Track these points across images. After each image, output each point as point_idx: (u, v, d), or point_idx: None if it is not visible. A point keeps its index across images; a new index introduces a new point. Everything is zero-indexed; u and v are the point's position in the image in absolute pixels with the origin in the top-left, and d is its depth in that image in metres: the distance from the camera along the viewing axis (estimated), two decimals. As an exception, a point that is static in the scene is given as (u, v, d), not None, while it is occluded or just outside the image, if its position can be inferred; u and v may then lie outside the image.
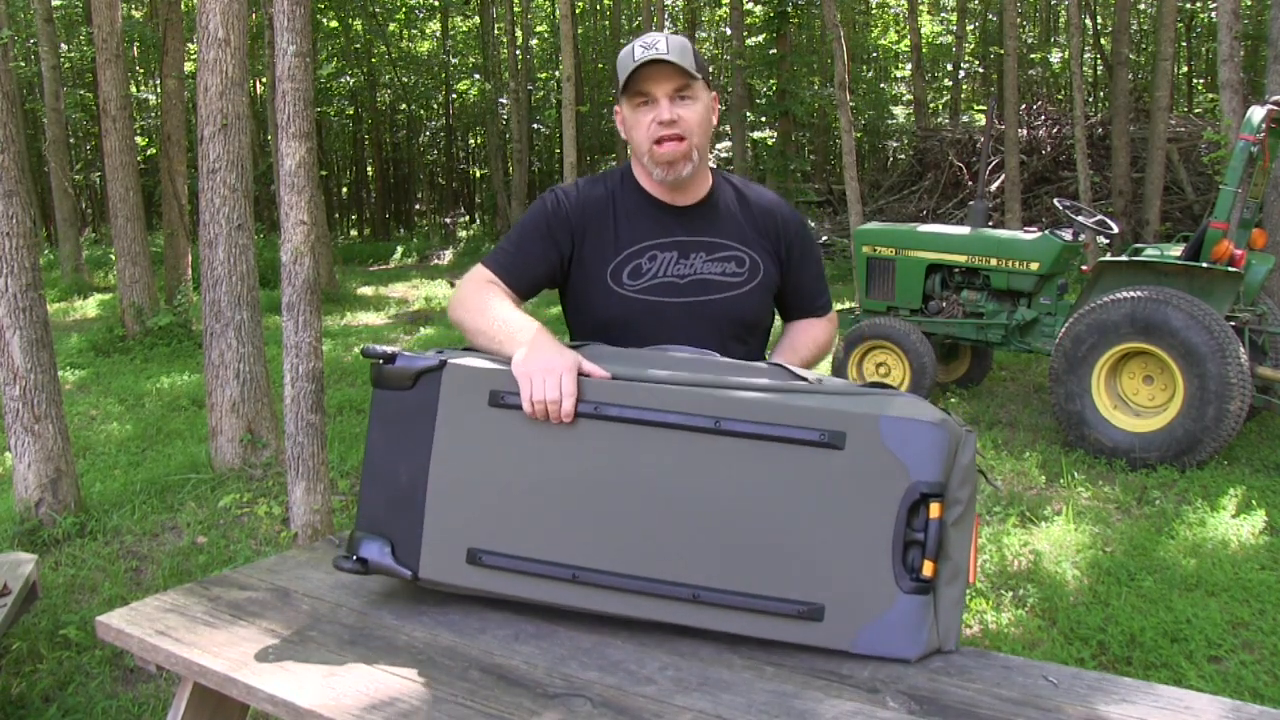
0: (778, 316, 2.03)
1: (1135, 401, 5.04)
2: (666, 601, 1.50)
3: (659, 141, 1.75)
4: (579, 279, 1.84)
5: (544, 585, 1.54)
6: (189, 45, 13.41)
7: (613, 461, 1.52)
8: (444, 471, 1.58)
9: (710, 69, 1.91)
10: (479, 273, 1.82)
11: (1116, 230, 5.87)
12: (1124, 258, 5.33)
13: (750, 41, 16.45)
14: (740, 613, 1.48)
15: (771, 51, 15.37)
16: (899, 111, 19.97)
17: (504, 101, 22.37)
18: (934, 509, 1.44)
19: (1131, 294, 4.90)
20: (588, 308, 1.84)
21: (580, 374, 1.54)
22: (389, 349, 1.64)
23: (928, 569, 1.44)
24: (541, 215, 1.84)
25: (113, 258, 10.96)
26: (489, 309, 1.72)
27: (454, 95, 26.30)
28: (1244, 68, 8.66)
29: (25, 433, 4.00)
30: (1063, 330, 5.18)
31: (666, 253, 1.82)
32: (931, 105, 20.73)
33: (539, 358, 1.54)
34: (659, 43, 1.72)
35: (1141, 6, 20.69)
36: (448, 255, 20.17)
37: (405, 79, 25.31)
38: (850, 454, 1.45)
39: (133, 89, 17.92)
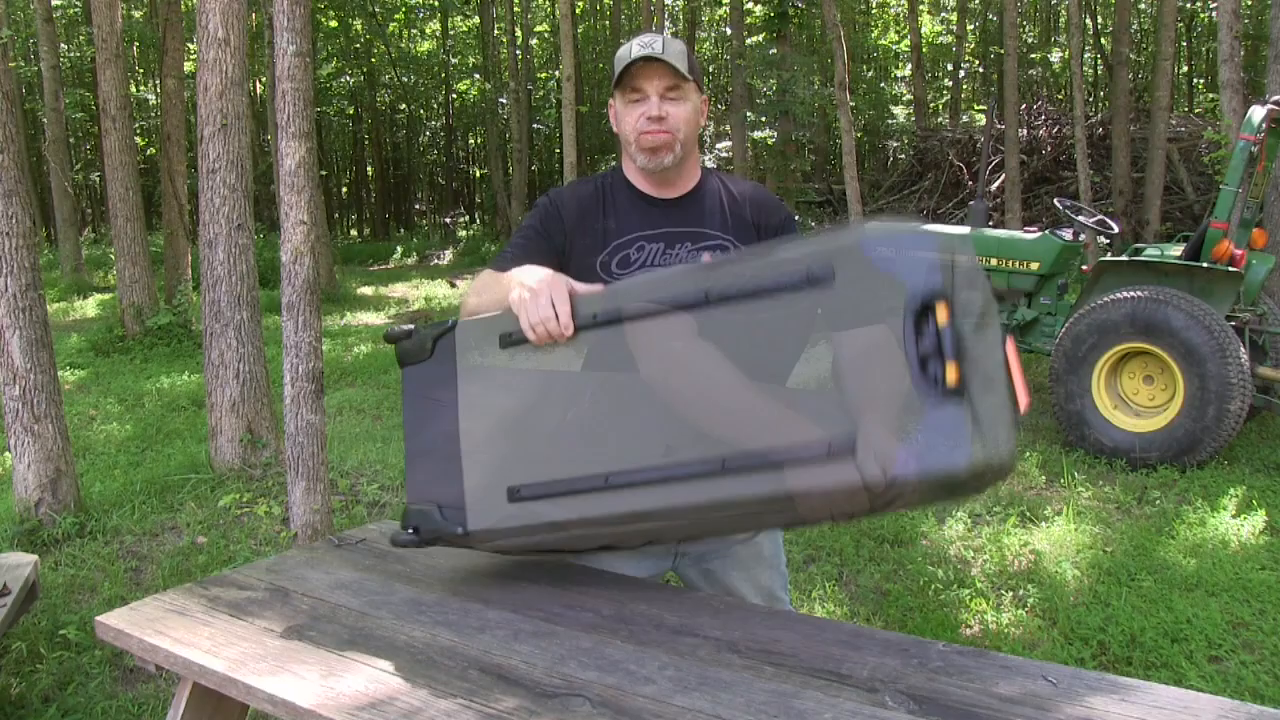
0: None
1: (1135, 401, 5.04)
2: (700, 481, 1.47)
3: (646, 132, 1.82)
4: (570, 273, 1.88)
5: (582, 501, 1.56)
6: (189, 45, 13.41)
7: (620, 362, 1.55)
8: (473, 422, 1.66)
9: (704, 73, 1.94)
10: (486, 274, 1.86)
11: (1117, 230, 5.87)
12: (1124, 258, 5.33)
13: (750, 41, 16.42)
14: (773, 471, 1.43)
15: (771, 51, 15.35)
16: (899, 111, 19.97)
17: (504, 101, 22.38)
18: (940, 313, 1.37)
19: (1131, 294, 4.90)
20: None
21: (571, 295, 1.61)
22: (406, 327, 1.76)
23: (951, 373, 1.35)
24: (539, 217, 1.90)
25: (113, 258, 10.96)
26: (496, 284, 1.78)
27: (454, 95, 26.31)
28: (1244, 68, 8.65)
29: (25, 433, 4.00)
30: (1063, 330, 5.18)
31: (653, 244, 1.87)
32: (931, 105, 20.74)
33: (528, 285, 1.62)
34: (656, 43, 1.80)
35: (1141, 6, 20.68)
36: (448, 255, 20.18)
37: (405, 79, 25.31)
38: (842, 285, 1.42)
39: (133, 89, 17.92)
